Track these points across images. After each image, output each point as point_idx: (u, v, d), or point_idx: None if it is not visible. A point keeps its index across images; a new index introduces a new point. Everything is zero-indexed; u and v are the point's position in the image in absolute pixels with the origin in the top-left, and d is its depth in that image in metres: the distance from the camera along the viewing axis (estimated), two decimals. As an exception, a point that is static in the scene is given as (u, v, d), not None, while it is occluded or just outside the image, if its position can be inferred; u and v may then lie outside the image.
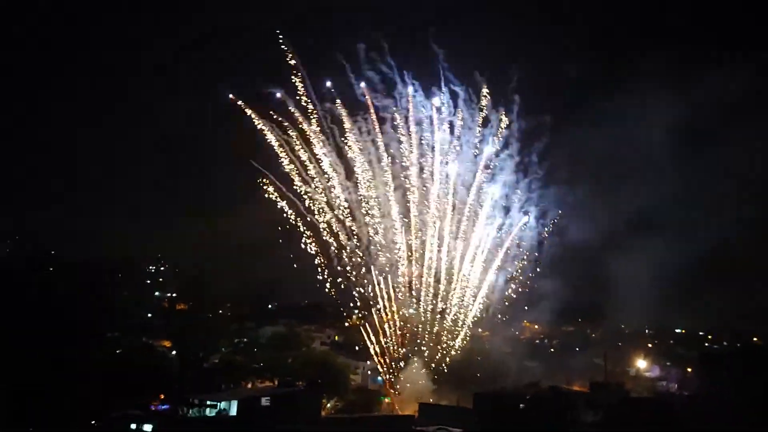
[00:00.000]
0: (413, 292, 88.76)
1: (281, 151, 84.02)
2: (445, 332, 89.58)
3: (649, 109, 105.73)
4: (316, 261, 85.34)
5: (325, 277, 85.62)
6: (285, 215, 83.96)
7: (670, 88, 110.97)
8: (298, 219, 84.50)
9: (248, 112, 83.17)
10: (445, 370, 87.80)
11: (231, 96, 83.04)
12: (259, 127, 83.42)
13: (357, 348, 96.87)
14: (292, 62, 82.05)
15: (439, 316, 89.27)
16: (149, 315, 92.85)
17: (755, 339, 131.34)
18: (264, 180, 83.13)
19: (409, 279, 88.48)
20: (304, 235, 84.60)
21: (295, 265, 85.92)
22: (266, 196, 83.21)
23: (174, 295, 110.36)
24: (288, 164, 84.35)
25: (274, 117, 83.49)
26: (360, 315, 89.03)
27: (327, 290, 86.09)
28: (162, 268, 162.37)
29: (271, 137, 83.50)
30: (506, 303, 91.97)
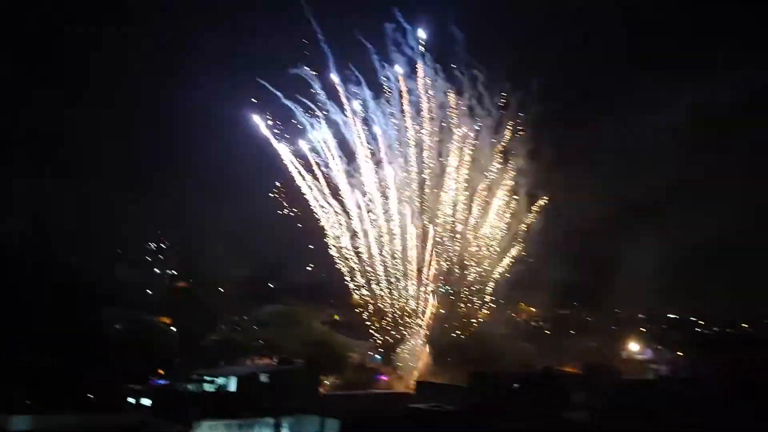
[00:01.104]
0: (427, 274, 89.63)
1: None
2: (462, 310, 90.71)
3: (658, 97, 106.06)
4: (329, 237, 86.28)
5: (336, 254, 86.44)
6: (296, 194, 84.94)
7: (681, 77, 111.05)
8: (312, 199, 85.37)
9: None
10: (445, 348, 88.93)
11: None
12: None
13: (356, 327, 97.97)
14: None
15: (452, 297, 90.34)
16: (149, 292, 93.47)
17: (745, 325, 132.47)
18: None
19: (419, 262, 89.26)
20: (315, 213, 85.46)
21: (307, 243, 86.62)
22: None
23: (174, 272, 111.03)
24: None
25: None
26: (362, 294, 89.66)
27: (335, 266, 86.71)
28: (163, 246, 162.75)
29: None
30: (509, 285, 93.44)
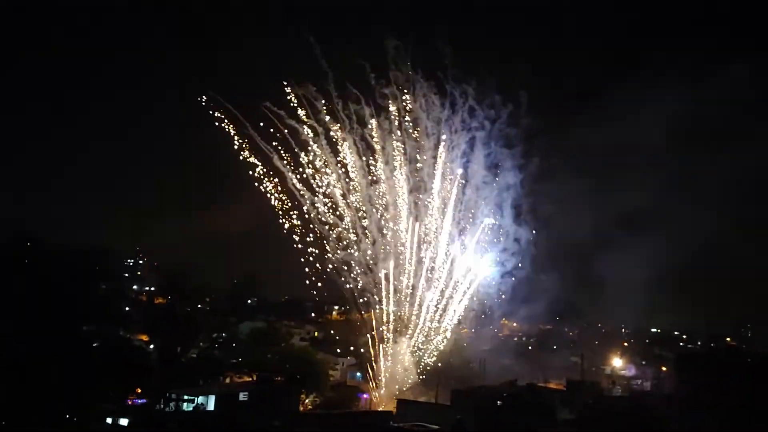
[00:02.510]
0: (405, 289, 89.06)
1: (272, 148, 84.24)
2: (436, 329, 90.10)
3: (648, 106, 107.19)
4: (308, 252, 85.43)
5: (314, 270, 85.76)
6: (275, 207, 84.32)
7: (672, 84, 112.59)
8: (290, 212, 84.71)
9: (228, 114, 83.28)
10: (430, 365, 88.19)
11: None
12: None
13: (337, 344, 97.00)
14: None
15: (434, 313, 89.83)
16: (127, 308, 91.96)
17: (728, 339, 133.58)
18: (258, 171, 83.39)
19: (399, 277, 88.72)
20: (295, 227, 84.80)
21: (282, 258, 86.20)
22: (260, 186, 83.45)
23: (152, 288, 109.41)
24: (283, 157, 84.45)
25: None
26: (343, 310, 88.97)
27: (314, 283, 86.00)
28: (141, 261, 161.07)
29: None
30: (498, 299, 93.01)
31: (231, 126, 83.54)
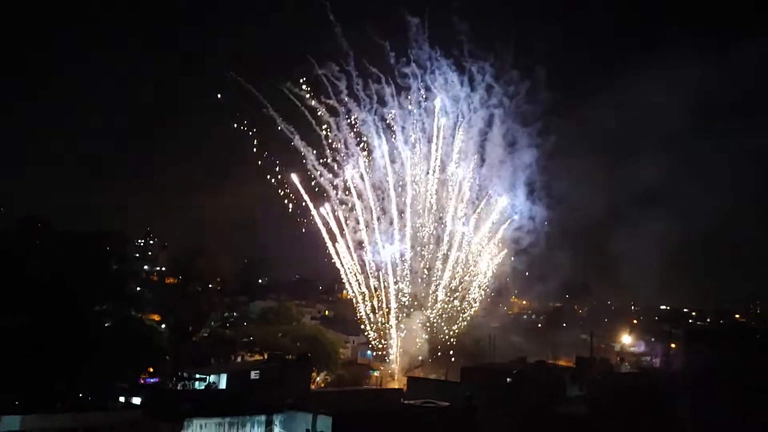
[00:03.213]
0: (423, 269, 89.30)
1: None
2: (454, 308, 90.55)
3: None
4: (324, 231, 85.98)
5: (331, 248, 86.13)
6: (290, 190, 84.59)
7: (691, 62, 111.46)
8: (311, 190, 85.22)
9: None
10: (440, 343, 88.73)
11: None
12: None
13: (347, 322, 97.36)
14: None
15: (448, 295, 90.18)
16: (138, 288, 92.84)
17: (737, 317, 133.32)
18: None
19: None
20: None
21: (299, 235, 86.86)
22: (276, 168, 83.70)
23: (163, 268, 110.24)
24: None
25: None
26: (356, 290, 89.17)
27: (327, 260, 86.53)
28: (151, 242, 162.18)
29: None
30: (507, 279, 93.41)
31: (249, 105, 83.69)
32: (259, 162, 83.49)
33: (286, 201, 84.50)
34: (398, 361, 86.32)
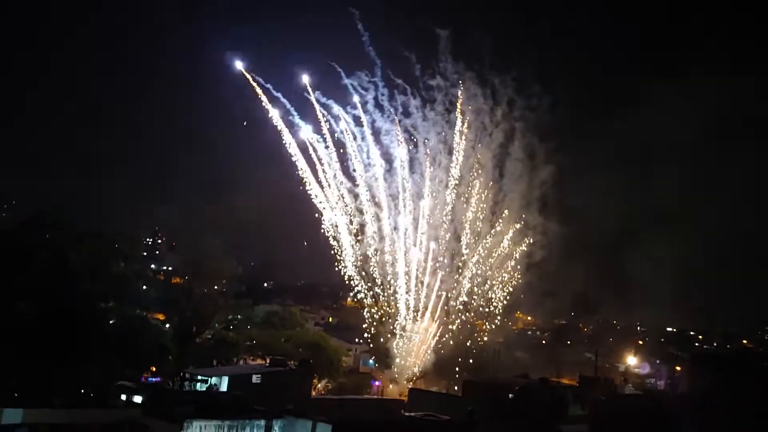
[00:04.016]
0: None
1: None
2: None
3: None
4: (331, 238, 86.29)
5: (338, 256, 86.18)
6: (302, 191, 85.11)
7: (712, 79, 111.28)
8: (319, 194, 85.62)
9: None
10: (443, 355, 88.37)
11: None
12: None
13: (351, 329, 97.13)
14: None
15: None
16: (144, 287, 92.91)
17: (745, 341, 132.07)
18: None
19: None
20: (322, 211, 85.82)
21: (305, 243, 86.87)
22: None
23: (170, 268, 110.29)
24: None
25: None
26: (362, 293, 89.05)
27: (336, 269, 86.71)
28: (159, 241, 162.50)
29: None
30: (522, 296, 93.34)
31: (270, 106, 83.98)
32: (276, 166, 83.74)
33: (298, 206, 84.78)
34: (401, 366, 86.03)
